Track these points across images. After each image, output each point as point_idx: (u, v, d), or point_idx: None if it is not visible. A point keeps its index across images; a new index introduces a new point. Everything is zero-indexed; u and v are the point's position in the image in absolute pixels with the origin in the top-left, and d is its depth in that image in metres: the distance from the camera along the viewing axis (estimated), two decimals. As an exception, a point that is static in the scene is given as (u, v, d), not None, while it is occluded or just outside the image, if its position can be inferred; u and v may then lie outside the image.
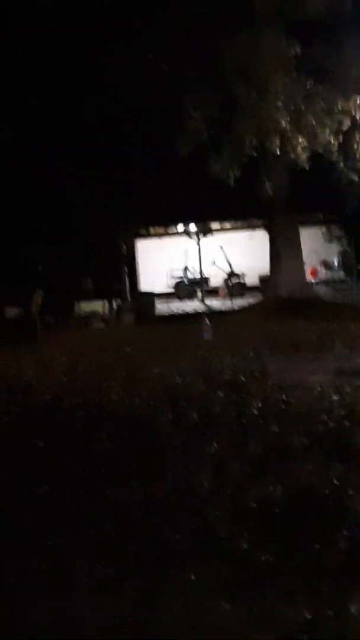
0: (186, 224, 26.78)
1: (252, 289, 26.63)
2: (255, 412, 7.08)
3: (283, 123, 17.32)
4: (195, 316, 19.88)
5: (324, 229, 28.17)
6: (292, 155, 17.91)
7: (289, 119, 17.27)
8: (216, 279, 28.14)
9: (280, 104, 17.15)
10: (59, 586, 3.66)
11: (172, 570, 3.73)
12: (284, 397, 7.69)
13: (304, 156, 17.71)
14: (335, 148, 17.89)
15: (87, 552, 4.01)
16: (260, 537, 4.07)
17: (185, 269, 28.74)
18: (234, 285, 27.37)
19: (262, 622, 3.18)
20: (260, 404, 7.37)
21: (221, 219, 26.30)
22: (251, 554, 3.86)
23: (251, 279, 27.21)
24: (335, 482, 4.83)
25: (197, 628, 3.18)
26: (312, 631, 3.09)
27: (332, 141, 17.75)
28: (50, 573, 3.80)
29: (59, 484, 5.27)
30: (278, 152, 17.89)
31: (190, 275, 28.68)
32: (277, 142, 17.60)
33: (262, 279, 25.71)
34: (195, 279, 28.29)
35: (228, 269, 27.73)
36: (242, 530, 4.15)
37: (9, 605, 3.50)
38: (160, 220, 26.26)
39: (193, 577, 3.63)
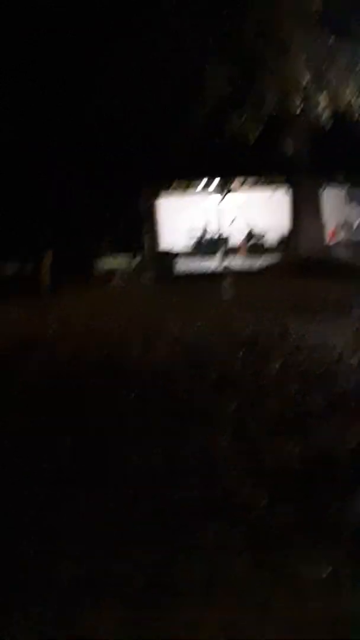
0: (207, 182, 26.52)
1: (272, 248, 26.43)
2: (275, 372, 7.08)
3: (304, 81, 17.02)
4: (214, 275, 19.81)
5: (345, 190, 27.80)
6: (314, 114, 17.63)
7: (310, 77, 16.96)
8: (236, 238, 27.94)
9: (301, 61, 16.84)
10: (81, 543, 3.71)
11: (191, 528, 3.76)
12: (302, 358, 7.68)
13: (325, 115, 17.42)
14: (357, 106, 17.58)
15: (107, 510, 4.05)
16: (278, 496, 4.09)
17: (205, 227, 28.54)
18: (254, 244, 27.16)
19: (279, 581, 3.21)
20: (279, 364, 7.37)
21: (242, 177, 26.00)
22: (269, 513, 3.89)
23: (271, 239, 27.00)
24: (354, 442, 4.83)
25: (216, 584, 3.21)
26: (328, 589, 3.12)
27: (355, 99, 17.43)
28: (70, 530, 3.85)
29: (77, 444, 5.30)
30: (299, 111, 17.62)
31: (210, 234, 28.49)
32: (298, 100, 17.33)
33: (282, 239, 25.50)
34: (215, 237, 28.10)
35: (248, 228, 27.52)
36: (260, 490, 4.18)
37: (34, 564, 3.54)
38: (182, 178, 26.01)
39: (212, 536, 3.67)
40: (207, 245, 28.26)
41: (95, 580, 3.33)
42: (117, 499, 4.21)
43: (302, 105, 17.35)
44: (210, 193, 26.92)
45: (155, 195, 27.77)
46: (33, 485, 4.51)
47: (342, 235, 27.68)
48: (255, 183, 26.64)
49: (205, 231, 28.55)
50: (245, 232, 27.55)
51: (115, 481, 4.48)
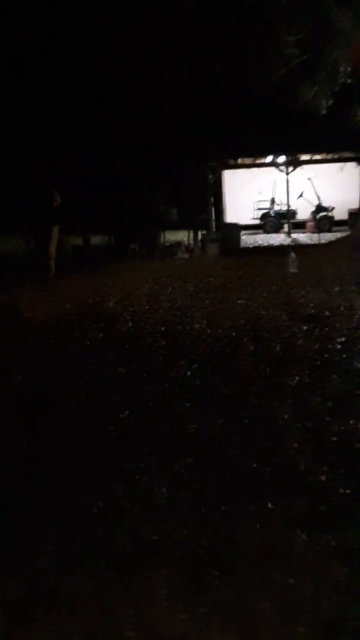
0: (275, 155, 26.15)
1: (340, 223, 26.00)
2: (339, 347, 6.97)
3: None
4: (281, 249, 19.63)
5: None
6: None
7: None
8: (304, 212, 27.55)
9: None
10: (139, 508, 3.73)
11: (249, 499, 3.74)
12: (369, 333, 7.54)
13: None
14: None
15: (166, 478, 4.07)
16: (339, 471, 4.04)
17: (272, 201, 28.22)
18: (322, 219, 26.75)
19: (337, 555, 3.17)
20: (344, 339, 7.25)
21: (311, 150, 25.54)
22: (329, 488, 3.84)
23: (340, 213, 26.52)
24: None
25: (273, 556, 3.19)
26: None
27: None
28: (128, 497, 3.87)
29: (139, 410, 5.34)
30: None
31: (277, 208, 28.16)
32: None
33: (351, 213, 25.06)
34: (282, 211, 27.78)
35: (316, 202, 27.09)
36: (321, 464, 4.13)
37: (93, 528, 3.59)
38: (249, 151, 25.70)
39: (270, 506, 3.64)
40: (274, 219, 27.97)
41: (151, 543, 3.35)
42: (176, 467, 4.22)
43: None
44: (279, 165, 26.55)
45: (223, 167, 27.55)
46: (94, 456, 4.55)
47: None
48: (326, 155, 26.14)
49: (272, 204, 28.25)
50: (313, 206, 27.15)
51: (173, 450, 4.48)
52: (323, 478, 3.96)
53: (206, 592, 2.95)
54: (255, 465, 4.18)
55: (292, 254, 13.97)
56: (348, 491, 3.78)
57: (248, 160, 27.61)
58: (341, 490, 3.80)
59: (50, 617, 2.85)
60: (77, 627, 2.78)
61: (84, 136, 18.27)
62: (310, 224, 26.96)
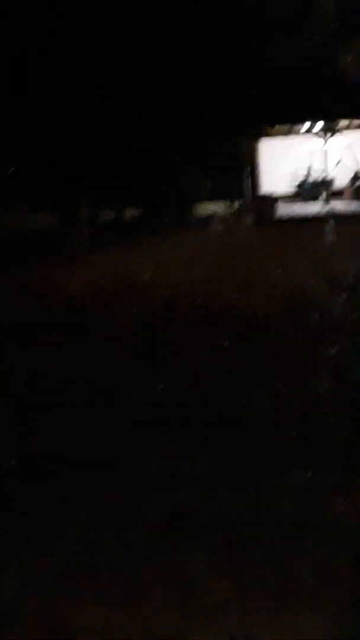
0: (312, 123, 25.73)
1: (380, 191, 25.54)
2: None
3: None
4: (318, 219, 19.38)
5: None
6: None
7: None
8: (342, 181, 27.12)
9: None
10: (176, 480, 3.74)
11: (288, 468, 3.73)
12: None
13: None
14: None
15: (204, 449, 4.06)
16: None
17: (310, 169, 27.82)
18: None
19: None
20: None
21: (350, 116, 25.04)
22: (369, 457, 3.81)
23: (378, 181, 26.06)
24: None
25: (310, 526, 3.18)
26: None
27: None
28: (164, 469, 3.88)
29: (179, 381, 5.33)
30: None
31: (314, 176, 27.77)
32: None
33: (390, 181, 24.61)
34: (319, 180, 27.37)
35: (355, 170, 26.63)
36: (359, 435, 4.09)
37: (131, 499, 3.60)
38: (285, 119, 25.32)
39: (310, 475, 3.62)
40: (310, 189, 27.57)
41: (187, 514, 3.35)
42: (207, 438, 4.21)
43: None
44: (315, 134, 26.14)
45: (258, 137, 27.21)
46: (125, 429, 4.57)
47: None
48: (363, 123, 25.63)
49: (308, 174, 27.85)
50: (351, 175, 26.69)
51: (206, 421, 4.48)
52: (361, 448, 3.93)
53: (246, 562, 2.95)
54: (292, 435, 4.16)
55: (330, 223, 13.76)
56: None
57: (285, 128, 27.20)
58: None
59: (91, 587, 2.87)
60: (120, 594, 2.80)
61: (117, 104, 18.15)
62: (348, 192, 26.51)
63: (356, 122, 25.81)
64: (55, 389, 5.40)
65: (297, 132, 26.87)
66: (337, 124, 25.57)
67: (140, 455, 4.06)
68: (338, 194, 26.71)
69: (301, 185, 27.70)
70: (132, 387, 5.32)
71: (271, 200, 22.13)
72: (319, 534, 3.11)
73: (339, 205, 24.61)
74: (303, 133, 26.70)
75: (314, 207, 24.72)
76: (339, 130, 25.96)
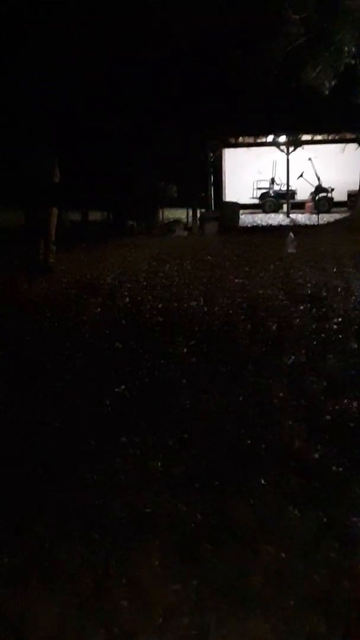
0: (276, 135, 26.00)
1: (340, 204, 25.91)
2: (336, 327, 7.00)
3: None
4: (279, 229, 19.60)
5: None
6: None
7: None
8: (303, 193, 27.45)
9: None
10: (134, 481, 3.77)
11: (243, 474, 3.78)
12: (366, 314, 7.56)
13: None
14: None
15: (160, 452, 4.10)
16: (332, 449, 4.07)
17: (272, 180, 28.11)
18: (321, 199, 26.65)
19: (328, 531, 3.21)
20: (340, 320, 7.28)
21: (312, 130, 25.37)
22: (322, 465, 3.88)
23: (339, 194, 26.41)
24: None
25: (265, 531, 3.23)
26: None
27: None
28: (123, 470, 3.91)
29: (136, 386, 5.37)
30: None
31: (276, 188, 28.06)
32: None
33: (351, 195, 24.93)
34: (281, 191, 27.67)
35: (316, 183, 26.99)
36: (315, 442, 4.17)
37: (87, 500, 3.63)
38: (250, 130, 25.52)
39: (263, 482, 3.68)
40: (273, 198, 27.88)
41: (143, 518, 3.38)
42: (171, 442, 4.25)
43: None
44: (280, 145, 26.42)
45: (223, 146, 27.40)
46: (90, 429, 4.59)
47: None
48: (326, 137, 26.00)
49: (272, 184, 28.14)
50: (313, 187, 27.05)
51: (169, 425, 4.52)
52: (316, 456, 4.00)
53: (199, 564, 2.99)
54: (249, 442, 4.22)
55: (290, 234, 13.94)
56: (340, 469, 3.82)
57: (249, 139, 27.44)
58: (333, 468, 3.83)
59: (45, 585, 2.89)
60: (71, 595, 2.82)
61: (84, 111, 18.10)
62: (309, 205, 26.86)
63: (318, 136, 26.17)
64: (13, 391, 5.39)
65: (261, 144, 27.11)
66: (300, 137, 25.89)
67: (97, 456, 4.08)
68: (299, 206, 27.04)
69: (263, 196, 27.97)
70: (91, 389, 5.33)
71: (234, 209, 22.29)
72: (273, 539, 3.16)
73: (300, 217, 24.90)
74: (267, 145, 26.96)
75: (276, 218, 24.98)
76: (301, 144, 26.28)
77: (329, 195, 26.71)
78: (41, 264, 11.24)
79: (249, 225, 22.52)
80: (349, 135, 25.24)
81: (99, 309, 8.20)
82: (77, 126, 18.19)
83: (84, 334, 7.08)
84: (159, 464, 3.95)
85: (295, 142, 26.18)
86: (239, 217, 22.29)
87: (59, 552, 3.11)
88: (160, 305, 8.29)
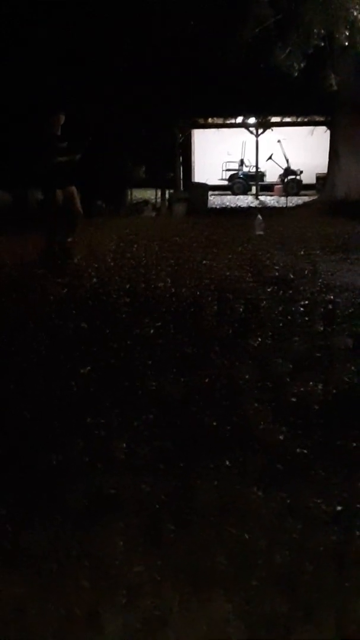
0: (245, 116, 25.95)
1: (309, 187, 26.00)
2: (302, 309, 7.03)
3: (354, 12, 16.41)
4: (248, 211, 19.61)
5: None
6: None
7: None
8: (272, 175, 27.48)
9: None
10: (98, 462, 3.75)
11: (207, 455, 3.79)
12: (331, 297, 7.60)
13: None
14: None
15: (125, 434, 4.09)
16: (297, 431, 4.10)
17: (241, 162, 28.09)
18: (290, 182, 26.70)
19: (292, 512, 3.23)
20: (307, 303, 7.31)
21: (281, 112, 25.37)
22: (287, 446, 3.90)
23: (308, 177, 26.50)
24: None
25: (229, 512, 3.24)
26: (340, 523, 3.13)
27: None
28: (87, 451, 3.89)
29: (101, 366, 5.34)
30: (346, 44, 17.05)
31: (245, 169, 28.05)
32: (347, 33, 16.74)
33: (319, 178, 25.04)
34: (250, 173, 27.67)
35: (285, 165, 27.02)
36: (280, 423, 4.19)
37: (51, 482, 3.60)
38: (219, 111, 25.42)
39: (228, 464, 3.69)
40: (242, 180, 27.87)
41: (106, 500, 3.37)
42: (135, 422, 4.24)
43: (349, 39, 16.76)
44: (249, 126, 26.37)
45: (192, 126, 27.28)
46: (54, 410, 4.56)
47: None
48: (296, 118, 26.01)
49: (241, 165, 28.12)
50: (282, 169, 27.08)
51: (133, 406, 4.50)
52: (281, 437, 4.02)
53: (163, 546, 2.99)
54: (214, 423, 4.22)
55: (259, 216, 13.94)
56: (304, 450, 3.84)
57: (218, 120, 27.36)
58: (297, 450, 3.86)
59: (6, 566, 2.87)
60: (33, 576, 2.80)
61: (49, 92, 17.92)
62: (278, 187, 26.90)
63: (287, 119, 26.17)
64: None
65: (231, 125, 27.05)
66: (269, 119, 25.87)
67: (61, 438, 4.05)
68: (268, 188, 27.07)
69: (232, 178, 27.95)
70: (55, 369, 5.29)
71: (203, 190, 22.23)
72: (236, 520, 3.17)
73: (269, 199, 24.95)
74: (236, 126, 26.90)
75: (244, 199, 24.99)
76: (271, 126, 26.26)
77: (298, 177, 26.77)
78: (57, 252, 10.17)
79: (218, 207, 22.50)
80: (318, 118, 25.30)
81: (65, 290, 8.13)
82: (43, 107, 17.99)
83: (50, 314, 7.01)
84: (124, 445, 3.94)
85: (264, 124, 26.15)
86: (207, 199, 22.25)
87: (20, 534, 3.09)
88: (127, 286, 8.25)
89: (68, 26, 17.12)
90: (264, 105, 22.79)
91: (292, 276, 8.72)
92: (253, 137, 26.44)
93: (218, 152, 27.89)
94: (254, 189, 26.93)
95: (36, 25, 17.07)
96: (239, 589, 2.70)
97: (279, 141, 26.61)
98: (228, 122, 27.10)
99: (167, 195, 22.44)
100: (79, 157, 10.32)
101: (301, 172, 26.73)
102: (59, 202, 10.09)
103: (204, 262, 9.91)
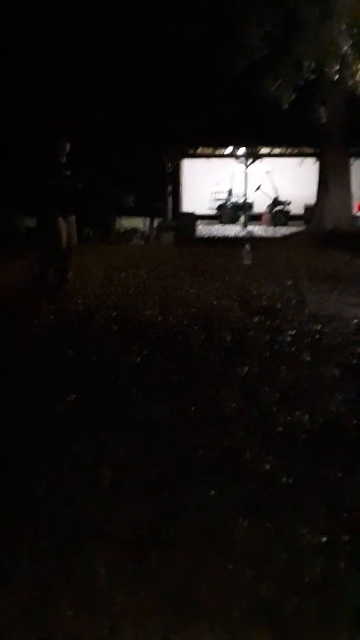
0: (235, 147, 26.21)
1: (297, 217, 26.22)
2: (289, 339, 7.05)
3: (344, 47, 16.69)
4: (236, 240, 19.70)
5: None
6: (351, 82, 17.33)
7: (351, 43, 16.63)
8: (260, 205, 27.70)
9: (343, 26, 16.48)
10: (83, 491, 3.73)
11: (193, 484, 3.77)
12: (319, 327, 7.63)
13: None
14: None
15: (111, 461, 4.07)
16: (283, 460, 4.09)
17: (230, 192, 28.33)
18: (278, 212, 26.93)
19: (277, 541, 3.21)
20: (294, 332, 7.33)
21: (271, 143, 25.66)
22: (273, 476, 3.89)
23: (296, 208, 26.75)
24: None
25: (214, 542, 3.22)
26: (325, 554, 3.11)
27: None
28: (73, 478, 3.87)
29: (88, 394, 5.32)
30: (336, 78, 17.31)
31: (234, 199, 28.27)
32: (337, 66, 17.01)
33: (308, 208, 25.26)
34: (239, 203, 27.90)
35: (273, 196, 27.26)
36: (266, 453, 4.18)
37: (38, 505, 3.58)
38: (208, 141, 25.69)
39: (213, 493, 3.67)
40: (231, 210, 28.07)
41: (90, 527, 3.35)
42: (122, 450, 4.22)
43: (339, 72, 17.03)
44: (238, 157, 26.63)
45: (182, 156, 27.52)
46: (40, 436, 4.54)
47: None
48: (285, 149, 26.30)
49: (229, 195, 28.34)
50: (270, 199, 27.30)
51: (120, 434, 4.48)
52: (267, 467, 4.01)
53: (147, 574, 2.97)
54: (201, 452, 4.21)
55: (247, 246, 14.02)
56: (290, 480, 3.83)
57: (208, 150, 27.63)
58: (283, 479, 3.85)
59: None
60: (15, 604, 2.77)
61: (39, 118, 18.03)
62: (266, 217, 27.13)
63: (277, 150, 26.46)
64: None
65: (220, 156, 27.32)
66: (259, 150, 26.15)
67: (46, 465, 4.03)
68: (256, 218, 27.28)
69: (221, 207, 28.17)
70: (41, 396, 5.27)
71: (191, 219, 22.38)
72: (221, 549, 3.15)
73: (257, 229, 25.12)
74: (225, 156, 27.17)
75: (232, 229, 25.15)
76: (260, 156, 26.55)
77: (286, 208, 27.01)
78: (51, 280, 10.31)
79: (206, 236, 22.62)
80: (307, 150, 25.59)
81: (52, 317, 8.13)
82: (33, 134, 18.11)
83: (36, 341, 7.00)
84: (109, 472, 3.92)
85: (253, 155, 26.42)
86: (196, 228, 22.38)
87: (3, 561, 3.06)
88: (114, 314, 8.26)
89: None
90: (254, 136, 23.06)
91: (279, 306, 8.75)
92: (242, 168, 26.69)
93: (207, 182, 28.12)
94: (242, 218, 27.13)
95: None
96: (222, 619, 2.68)
97: (267, 172, 26.88)
98: (217, 152, 27.37)
99: (155, 224, 22.55)
100: (82, 185, 10.31)
101: (289, 202, 26.98)
102: (60, 230, 10.11)
103: (192, 290, 9.94)
